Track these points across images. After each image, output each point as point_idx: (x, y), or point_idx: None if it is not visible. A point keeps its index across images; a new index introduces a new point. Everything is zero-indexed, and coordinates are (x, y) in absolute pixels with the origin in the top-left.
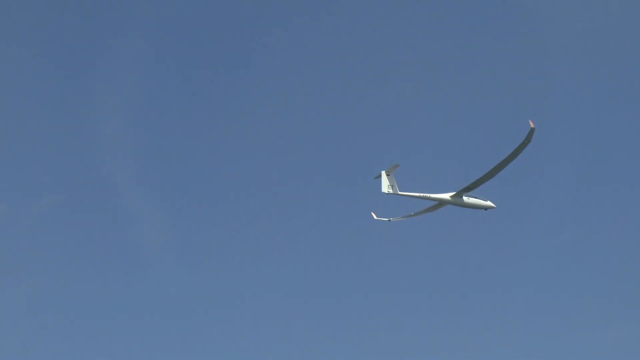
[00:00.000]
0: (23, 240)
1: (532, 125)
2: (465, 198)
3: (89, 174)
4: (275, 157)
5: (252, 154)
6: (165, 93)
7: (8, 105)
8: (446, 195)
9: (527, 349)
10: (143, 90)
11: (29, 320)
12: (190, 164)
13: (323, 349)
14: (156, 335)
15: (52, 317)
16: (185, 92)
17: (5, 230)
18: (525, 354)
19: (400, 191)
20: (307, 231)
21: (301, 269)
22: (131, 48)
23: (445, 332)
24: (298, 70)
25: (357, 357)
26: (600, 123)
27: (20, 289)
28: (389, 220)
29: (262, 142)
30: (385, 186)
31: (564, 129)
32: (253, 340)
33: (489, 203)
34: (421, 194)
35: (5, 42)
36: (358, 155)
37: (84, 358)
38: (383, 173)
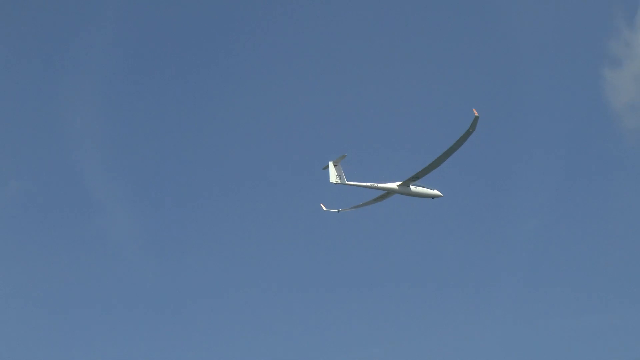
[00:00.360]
0: None
1: (476, 114)
2: (412, 187)
3: (56, 162)
4: (236, 149)
5: (218, 145)
6: (134, 82)
7: None
8: (393, 185)
9: (475, 336)
10: (112, 79)
11: None
12: (160, 154)
13: (275, 339)
14: (125, 325)
15: (17, 306)
16: (156, 82)
17: None
18: (474, 341)
19: (347, 181)
20: (260, 222)
21: (255, 260)
22: (101, 36)
23: (395, 322)
24: (255, 61)
25: (308, 348)
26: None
27: None
28: (338, 211)
29: (229, 132)
30: (333, 176)
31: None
32: (217, 330)
33: (436, 192)
34: (369, 184)
35: None
36: (305, 146)
37: (50, 348)
38: (330, 163)
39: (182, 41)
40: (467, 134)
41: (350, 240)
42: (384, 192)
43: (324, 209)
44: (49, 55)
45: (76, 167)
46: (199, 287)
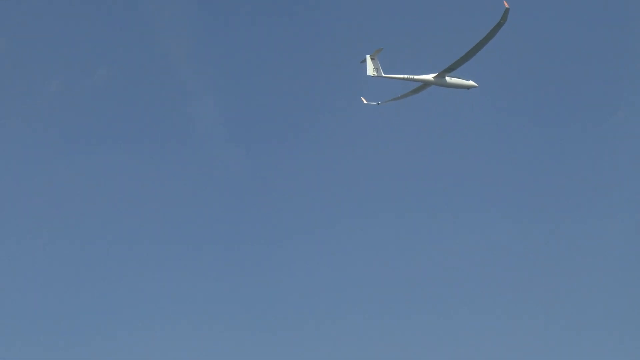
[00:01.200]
0: (79, 113)
1: (506, 6)
2: (447, 78)
3: (145, 52)
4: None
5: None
6: None
7: None
8: (429, 77)
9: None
10: None
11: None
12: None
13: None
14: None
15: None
16: None
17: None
18: None
19: (384, 74)
20: (305, 118)
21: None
22: None
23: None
24: None
25: None
26: None
27: (75, 160)
28: (378, 103)
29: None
30: (371, 69)
31: None
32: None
33: (471, 82)
34: (405, 76)
35: None
36: (343, 40)
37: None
38: (368, 57)
39: None
40: (499, 25)
41: (394, 133)
42: (420, 83)
43: (365, 102)
44: None
45: (165, 58)
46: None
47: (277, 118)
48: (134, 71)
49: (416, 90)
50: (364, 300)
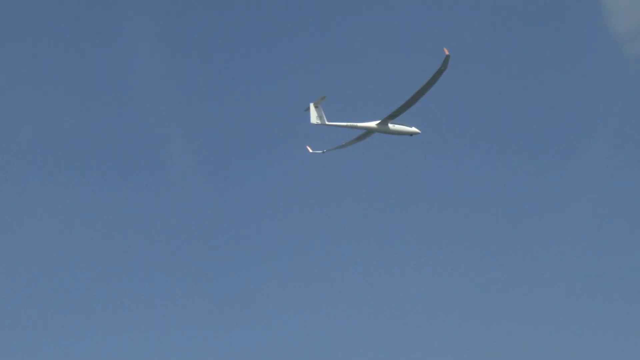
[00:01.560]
0: (48, 163)
1: (447, 53)
2: (390, 125)
3: (114, 98)
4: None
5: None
6: (193, 16)
7: (32, 27)
8: (373, 124)
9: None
10: (172, 12)
11: (59, 239)
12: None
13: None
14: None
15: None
16: (216, 17)
17: (29, 153)
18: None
19: (328, 121)
20: (247, 166)
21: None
22: None
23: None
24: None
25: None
26: None
27: (48, 208)
28: (323, 152)
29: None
30: (314, 117)
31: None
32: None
33: (414, 129)
34: (349, 124)
35: None
36: (287, 89)
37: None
38: (311, 105)
39: None
40: (439, 72)
41: (339, 180)
42: (364, 131)
43: (310, 150)
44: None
45: (137, 105)
46: None
47: (243, 163)
48: (105, 118)
49: (360, 138)
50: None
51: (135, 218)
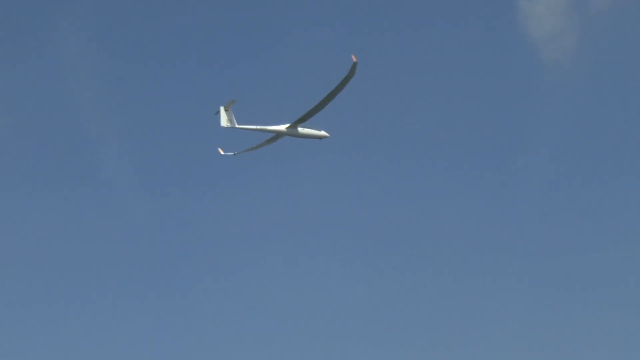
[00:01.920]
0: None
1: (354, 60)
2: (300, 129)
3: (48, 98)
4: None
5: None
6: (128, 16)
7: None
8: (282, 127)
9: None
10: (106, 12)
11: None
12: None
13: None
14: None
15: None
16: (149, 17)
17: None
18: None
19: (238, 125)
20: (170, 167)
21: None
22: None
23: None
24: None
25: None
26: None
27: None
28: (234, 154)
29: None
30: (224, 120)
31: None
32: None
33: (322, 133)
34: (258, 127)
35: None
36: (198, 92)
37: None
38: (222, 108)
39: None
40: (347, 78)
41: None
42: (274, 134)
43: (222, 152)
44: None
45: (69, 105)
46: None
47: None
48: (36, 119)
49: (270, 141)
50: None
51: (65, 220)
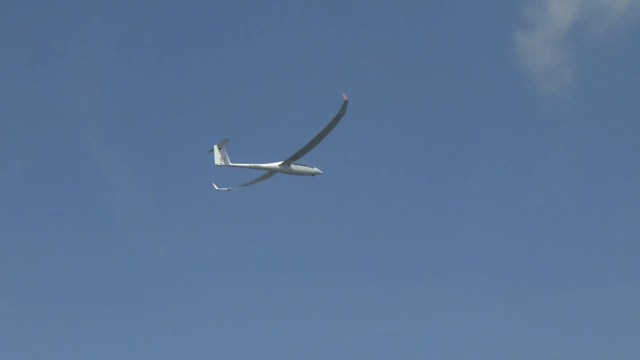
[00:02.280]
0: None
1: (345, 98)
2: (293, 166)
3: (61, 142)
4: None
5: None
6: (137, 59)
7: None
8: (275, 164)
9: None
10: (115, 57)
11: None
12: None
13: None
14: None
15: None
16: (157, 59)
17: None
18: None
19: (232, 162)
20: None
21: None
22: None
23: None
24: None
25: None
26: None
27: None
28: (229, 189)
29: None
30: (218, 159)
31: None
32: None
33: (315, 169)
34: (252, 164)
35: None
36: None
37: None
38: (215, 147)
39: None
40: (339, 116)
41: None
42: (267, 171)
43: (216, 187)
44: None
45: (81, 146)
46: None
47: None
48: (51, 163)
49: (264, 177)
50: None
51: (78, 258)
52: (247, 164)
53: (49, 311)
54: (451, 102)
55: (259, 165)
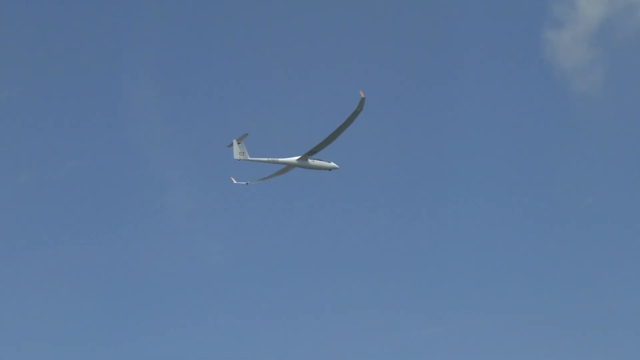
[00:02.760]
0: (47, 207)
1: (362, 95)
2: (310, 160)
3: (115, 142)
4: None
5: None
6: (190, 55)
7: (32, 75)
8: (293, 159)
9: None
10: (169, 54)
11: (57, 289)
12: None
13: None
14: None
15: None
16: (211, 54)
17: (28, 198)
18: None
19: (250, 157)
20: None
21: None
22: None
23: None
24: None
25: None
26: None
27: (48, 254)
28: (247, 183)
29: None
30: (237, 153)
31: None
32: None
33: (332, 164)
34: (270, 159)
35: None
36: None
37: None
38: (234, 141)
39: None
40: (355, 113)
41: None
42: (285, 165)
43: (234, 181)
44: (105, 33)
45: (135, 146)
46: None
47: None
48: (104, 162)
49: (281, 172)
50: None
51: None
52: (266, 159)
53: (109, 310)
54: (481, 101)
55: (277, 159)
